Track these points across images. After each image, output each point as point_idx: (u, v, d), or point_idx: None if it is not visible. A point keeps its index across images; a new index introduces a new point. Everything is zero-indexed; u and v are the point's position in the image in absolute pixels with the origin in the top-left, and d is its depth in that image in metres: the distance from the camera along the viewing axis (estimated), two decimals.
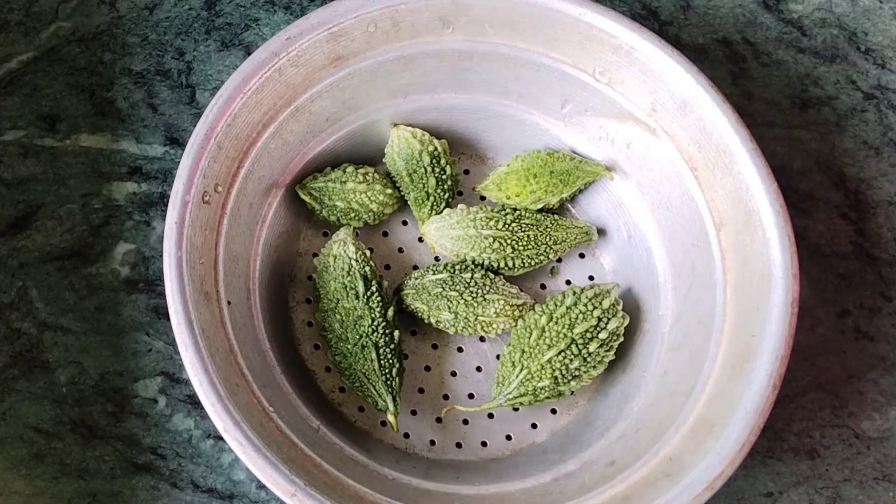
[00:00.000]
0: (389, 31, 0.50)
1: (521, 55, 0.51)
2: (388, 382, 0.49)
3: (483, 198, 0.56)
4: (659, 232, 0.52)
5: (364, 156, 0.55)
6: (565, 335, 0.48)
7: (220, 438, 0.52)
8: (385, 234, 0.56)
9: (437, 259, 0.55)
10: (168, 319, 0.45)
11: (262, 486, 0.52)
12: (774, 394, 0.44)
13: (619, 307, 0.50)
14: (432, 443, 0.52)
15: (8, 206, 0.56)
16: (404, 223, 0.56)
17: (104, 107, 0.59)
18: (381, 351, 0.49)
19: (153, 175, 0.57)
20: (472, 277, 0.51)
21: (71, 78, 0.59)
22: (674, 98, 0.49)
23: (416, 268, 0.55)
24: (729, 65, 0.62)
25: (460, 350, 0.54)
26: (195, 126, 0.47)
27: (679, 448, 0.44)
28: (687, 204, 0.50)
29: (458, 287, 0.51)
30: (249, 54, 0.48)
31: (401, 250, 0.56)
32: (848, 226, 0.59)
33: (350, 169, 0.53)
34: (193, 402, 0.53)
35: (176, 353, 0.53)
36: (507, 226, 0.52)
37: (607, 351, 0.49)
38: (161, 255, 0.45)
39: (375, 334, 0.49)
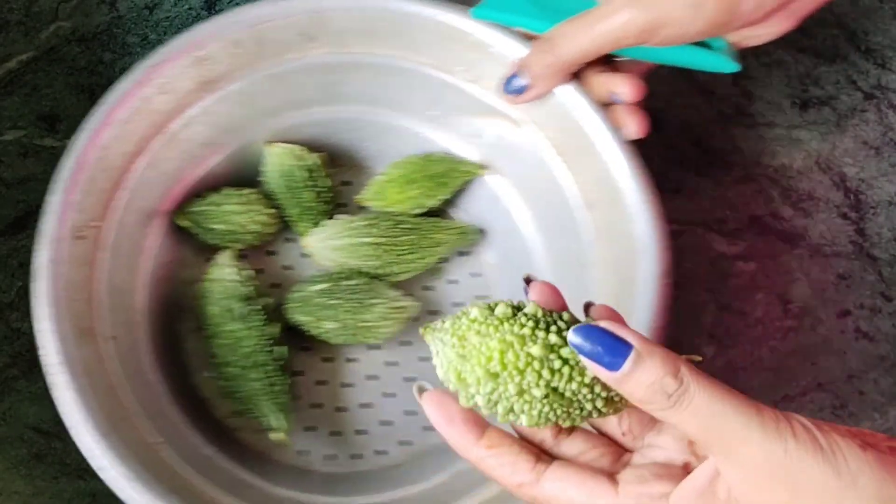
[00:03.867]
0: (254, 50, 0.50)
1: (385, 62, 0.51)
2: (276, 401, 0.49)
3: (365, 208, 0.56)
4: (535, 221, 0.53)
5: (247, 177, 0.54)
6: None
7: None
8: (271, 252, 0.55)
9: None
10: None
11: None
12: None
13: None
14: (330, 457, 0.52)
15: (8, 206, 0.56)
16: (289, 240, 0.56)
17: None
18: (265, 370, 0.49)
19: None
20: (355, 284, 0.51)
21: (71, 78, 0.59)
22: None
23: None
24: None
25: (352, 360, 0.53)
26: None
27: None
28: (558, 190, 0.50)
29: (340, 295, 0.51)
30: None
31: (288, 267, 0.55)
32: (848, 226, 0.59)
33: (229, 192, 0.53)
34: None
35: None
36: (385, 232, 0.52)
37: None
38: None
39: (258, 355, 0.49)
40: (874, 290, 0.58)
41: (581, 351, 0.31)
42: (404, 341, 0.53)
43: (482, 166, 0.54)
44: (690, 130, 0.61)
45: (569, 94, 0.48)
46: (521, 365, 0.32)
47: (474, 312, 0.33)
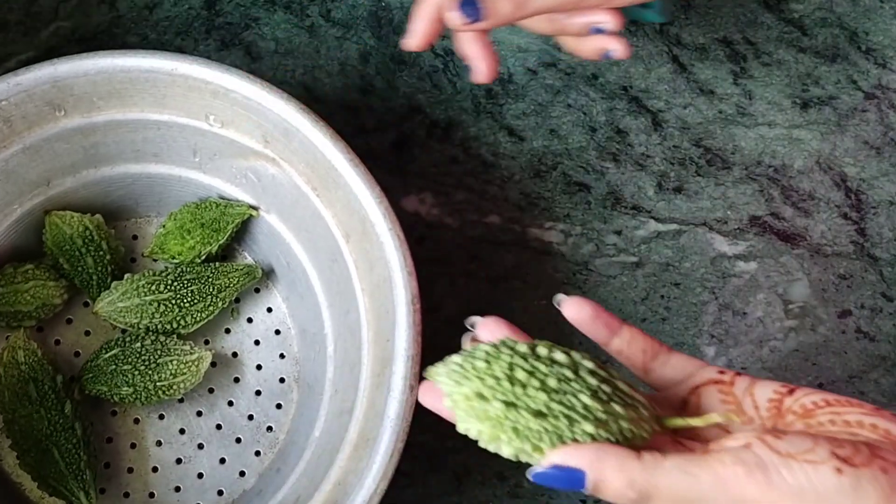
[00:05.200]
0: (3, 128, 0.49)
1: (138, 118, 0.51)
2: (79, 478, 0.49)
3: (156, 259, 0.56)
4: (306, 254, 0.53)
5: (34, 248, 0.54)
6: None
7: None
8: (69, 320, 0.54)
9: (123, 332, 0.53)
10: None
11: None
12: (413, 396, 0.43)
13: None
14: None
15: None
16: (86, 304, 0.55)
17: None
18: (63, 450, 0.48)
19: None
20: (142, 346, 0.51)
21: None
22: (277, 127, 0.49)
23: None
24: (730, 64, 0.62)
25: (161, 417, 0.53)
26: None
27: (345, 470, 0.44)
28: (318, 223, 0.50)
29: (130, 359, 0.50)
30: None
31: (87, 333, 0.54)
32: (849, 226, 0.59)
33: (9, 270, 0.52)
34: None
35: None
36: (168, 287, 0.52)
37: None
38: None
39: (55, 435, 0.48)
40: (875, 290, 0.58)
41: (546, 485, 0.33)
42: (210, 388, 0.53)
43: (253, 207, 0.54)
44: (690, 130, 0.60)
45: (309, 131, 0.48)
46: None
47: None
